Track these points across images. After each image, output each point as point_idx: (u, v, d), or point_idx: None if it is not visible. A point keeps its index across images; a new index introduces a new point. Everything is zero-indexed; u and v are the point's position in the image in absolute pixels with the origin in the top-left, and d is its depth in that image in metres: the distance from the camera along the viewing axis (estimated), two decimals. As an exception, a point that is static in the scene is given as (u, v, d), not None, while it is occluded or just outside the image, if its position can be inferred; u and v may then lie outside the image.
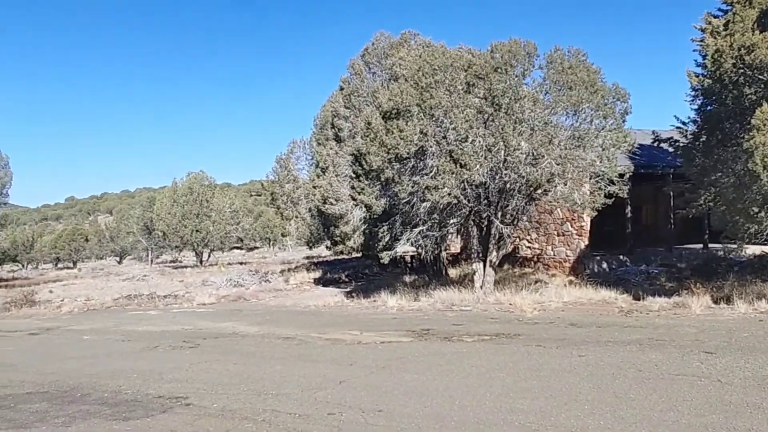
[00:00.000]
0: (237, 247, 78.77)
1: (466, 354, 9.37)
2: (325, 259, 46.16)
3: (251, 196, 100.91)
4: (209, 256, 55.30)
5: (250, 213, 68.15)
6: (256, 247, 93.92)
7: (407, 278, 25.76)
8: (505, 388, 6.90)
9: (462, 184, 16.23)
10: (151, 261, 62.84)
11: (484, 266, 18.50)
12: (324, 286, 27.88)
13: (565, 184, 16.40)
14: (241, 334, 14.08)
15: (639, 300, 15.28)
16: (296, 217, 31.75)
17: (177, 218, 46.84)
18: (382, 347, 10.66)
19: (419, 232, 18.31)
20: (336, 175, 23.33)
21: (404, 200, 17.27)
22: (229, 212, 51.61)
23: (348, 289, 24.90)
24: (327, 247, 35.07)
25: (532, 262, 25.02)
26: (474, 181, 15.83)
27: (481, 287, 18.29)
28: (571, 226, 23.30)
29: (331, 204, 23.14)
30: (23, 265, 75.50)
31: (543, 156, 15.66)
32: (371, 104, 22.99)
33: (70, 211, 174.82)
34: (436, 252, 23.45)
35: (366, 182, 17.56)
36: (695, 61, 18.20)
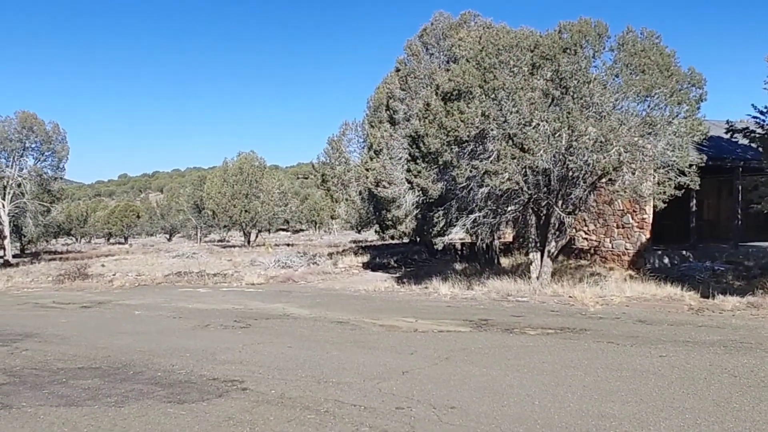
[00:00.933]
0: (283, 229, 79.11)
1: (534, 348, 8.80)
2: (372, 243, 45.86)
3: (298, 178, 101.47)
4: (257, 236, 55.57)
5: (296, 195, 68.36)
6: (302, 230, 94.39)
7: (458, 266, 25.16)
8: (586, 389, 6.33)
9: (523, 170, 15.55)
10: (200, 239, 63.62)
11: (542, 256, 17.81)
12: (373, 270, 27.47)
13: (633, 173, 15.55)
14: (293, 316, 13.76)
15: (708, 298, 14.41)
16: (346, 199, 31.40)
17: (227, 198, 47.05)
18: (440, 336, 10.16)
19: (475, 219, 17.67)
20: (390, 158, 22.84)
21: (461, 185, 16.68)
22: (277, 193, 51.67)
23: (398, 275, 24.43)
24: (376, 231, 34.72)
25: (589, 254, 24.13)
26: (537, 167, 15.12)
27: (538, 278, 17.62)
28: (632, 218, 22.33)
29: (384, 187, 22.67)
30: (77, 239, 77.39)
31: (611, 142, 14.84)
32: (429, 86, 22.41)
33: (122, 188, 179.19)
34: (489, 240, 22.79)
35: (423, 165, 17.01)
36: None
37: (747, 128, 17.76)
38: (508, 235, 29.32)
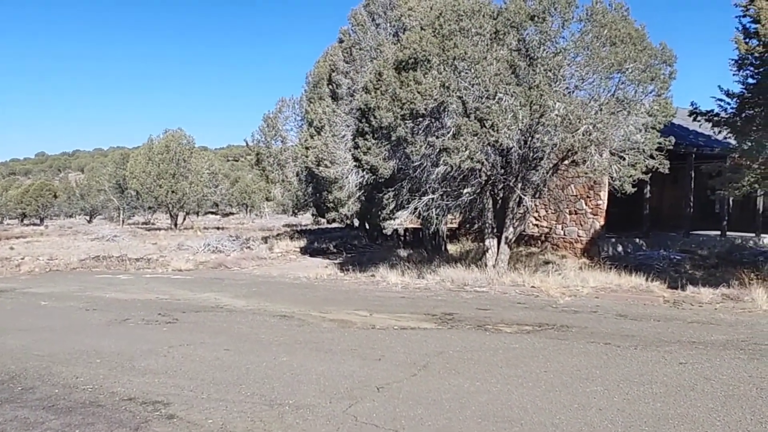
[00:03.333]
0: (212, 212, 76.16)
1: (523, 352, 7.43)
2: (307, 227, 44.02)
3: (228, 161, 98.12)
4: (184, 219, 52.75)
5: (227, 178, 65.67)
6: (232, 213, 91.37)
7: (402, 252, 23.81)
8: (625, 415, 4.96)
9: (485, 148, 14.23)
10: (123, 222, 60.07)
11: (498, 243, 16.63)
12: (311, 256, 25.81)
13: (601, 154, 14.45)
14: (227, 308, 12.03)
15: (676, 289, 13.58)
16: (282, 180, 29.45)
17: (152, 177, 44.15)
18: (405, 335, 8.68)
19: (427, 202, 16.27)
20: (332, 135, 21.14)
21: (415, 164, 15.26)
22: (207, 174, 49.08)
23: (338, 261, 22.87)
24: (313, 215, 32.96)
25: (540, 242, 23.19)
26: (501, 144, 13.80)
27: (494, 266, 16.44)
28: (586, 204, 21.47)
29: (326, 167, 20.98)
30: (-14, 220, 72.13)
31: (580, 120, 13.69)
32: (376, 58, 20.81)
33: (39, 166, 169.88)
34: (436, 225, 21.50)
35: (372, 141, 15.43)
36: (737, 28, 16.16)
37: (711, 111, 16.98)
38: (454, 221, 28.18)
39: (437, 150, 14.63)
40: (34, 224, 66.76)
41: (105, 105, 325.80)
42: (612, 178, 14.82)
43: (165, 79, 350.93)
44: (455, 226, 27.65)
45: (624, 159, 14.35)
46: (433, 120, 14.90)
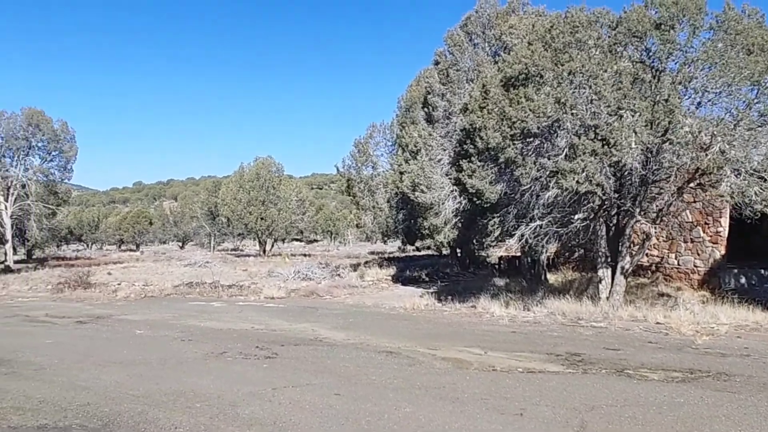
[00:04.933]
0: (297, 239, 76.85)
1: (695, 410, 6.16)
2: (392, 255, 43.26)
3: (312, 189, 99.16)
4: (272, 246, 53.15)
5: (311, 205, 66.03)
6: (316, 240, 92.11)
7: (499, 281, 22.50)
8: None
9: (603, 169, 12.95)
10: (213, 248, 61.26)
11: (613, 273, 15.18)
12: (403, 284, 24.87)
13: (738, 175, 12.86)
14: (327, 341, 11.21)
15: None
16: (373, 207, 28.81)
17: (242, 204, 44.63)
18: (537, 381, 7.55)
19: (536, 228, 15.06)
20: (429, 159, 20.27)
21: (524, 187, 14.12)
22: (295, 201, 49.25)
23: (433, 290, 21.79)
24: (402, 242, 32.13)
25: (650, 272, 21.37)
26: (624, 165, 12.51)
27: (608, 299, 14.98)
28: (703, 231, 19.58)
29: (422, 192, 20.08)
30: (88, 245, 75.37)
31: (714, 137, 12.23)
32: (474, 79, 19.93)
33: (137, 195, 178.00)
34: (536, 254, 20.19)
35: (478, 164, 14.43)
36: None
37: None
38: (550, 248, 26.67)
39: (548, 172, 13.50)
40: (131, 250, 69.22)
41: (197, 136, 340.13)
42: (749, 201, 13.17)
43: (253, 110, 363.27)
44: (551, 254, 26.15)
45: (766, 180, 12.72)
46: (543, 140, 13.77)
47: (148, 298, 20.41)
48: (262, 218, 44.87)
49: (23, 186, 36.24)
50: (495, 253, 16.25)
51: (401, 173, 22.63)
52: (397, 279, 26.71)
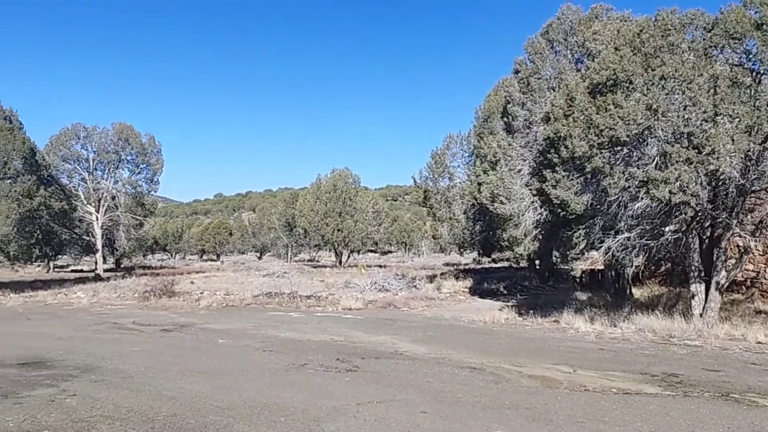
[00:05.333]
0: (372, 251, 77.17)
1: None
2: (468, 266, 42.70)
3: (387, 200, 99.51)
4: (348, 257, 53.50)
5: (387, 216, 66.15)
6: (390, 251, 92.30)
7: (581, 295, 21.74)
8: None
9: (699, 178, 12.25)
10: (290, 258, 62.27)
11: (707, 289, 14.34)
12: (481, 297, 24.43)
13: None
14: (407, 354, 11.00)
15: None
16: (450, 218, 28.49)
17: (319, 216, 45.14)
18: (635, 404, 7.09)
19: (623, 240, 14.42)
20: (508, 170, 19.81)
21: (611, 198, 13.54)
22: (371, 213, 49.44)
23: (512, 303, 21.26)
24: (479, 253, 31.61)
25: (744, 287, 20.20)
26: (723, 173, 11.79)
27: (701, 315, 14.15)
28: (806, 244, 18.34)
29: (501, 203, 19.63)
30: (171, 255, 78.09)
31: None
32: (555, 88, 19.40)
33: (217, 206, 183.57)
34: (625, 267, 19.39)
35: (563, 173, 13.95)
36: None
37: None
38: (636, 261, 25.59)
39: (637, 182, 12.90)
40: (212, 260, 71.23)
41: (275, 148, 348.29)
42: None
43: (329, 122, 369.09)
44: (637, 267, 25.10)
45: None
46: (632, 149, 13.18)
47: (229, 308, 20.77)
48: (338, 229, 45.24)
49: (113, 197, 37.87)
50: (579, 266, 15.67)
51: (479, 184, 22.23)
52: (475, 291, 26.27)
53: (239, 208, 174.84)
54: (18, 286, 28.11)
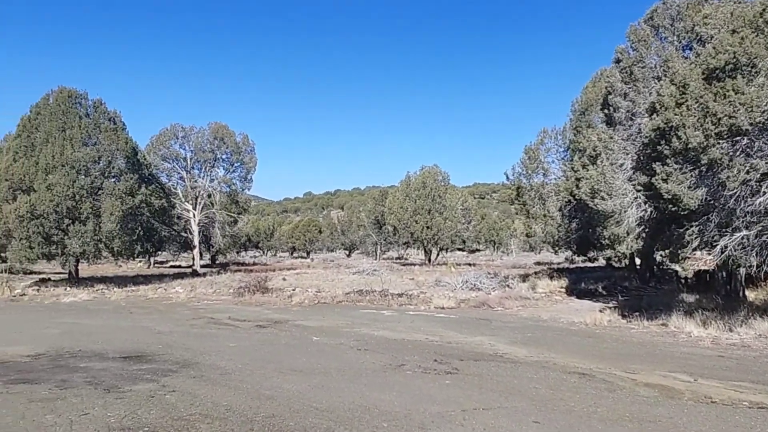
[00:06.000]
0: (460, 249, 76.31)
1: None
2: (561, 265, 41.29)
3: (475, 198, 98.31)
4: (438, 255, 53.00)
5: (476, 214, 65.13)
6: (478, 250, 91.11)
7: (687, 297, 20.38)
8: None
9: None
10: (379, 256, 62.41)
11: (841, 293, 12.99)
12: (578, 297, 23.42)
13: None
14: (507, 357, 10.46)
15: None
16: (544, 215, 27.51)
17: (408, 213, 44.87)
18: (773, 419, 6.32)
19: (742, 239, 13.29)
20: (610, 164, 18.80)
21: (729, 192, 12.49)
22: (460, 210, 48.73)
23: (613, 305, 20.22)
24: (574, 252, 30.38)
25: None
26: None
27: (834, 322, 12.85)
28: None
29: (602, 199, 18.65)
30: (263, 252, 79.99)
31: None
32: (661, 77, 18.24)
33: (307, 205, 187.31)
34: (738, 267, 17.98)
35: (674, 166, 12.98)
36: None
37: None
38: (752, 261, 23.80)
39: (758, 174, 11.84)
40: (302, 257, 72.45)
41: (363, 147, 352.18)
42: None
43: (416, 120, 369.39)
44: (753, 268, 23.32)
45: None
46: (754, 138, 12.09)
47: (321, 305, 20.77)
48: (427, 227, 44.83)
49: (209, 195, 38.98)
50: (690, 266, 14.62)
51: (578, 179, 21.25)
52: (571, 291, 25.23)
53: (328, 206, 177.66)
54: (121, 281, 29.34)
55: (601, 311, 18.31)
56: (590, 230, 22.54)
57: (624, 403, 7.04)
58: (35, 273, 36.70)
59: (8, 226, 24.70)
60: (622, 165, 18.96)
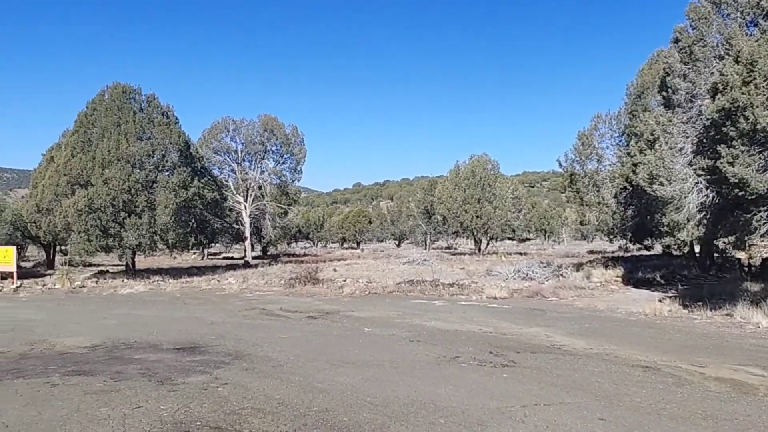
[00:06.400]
0: (509, 238, 75.28)
1: None
2: (614, 254, 40.26)
3: (524, 186, 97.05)
4: (488, 244, 52.41)
5: (526, 202, 64.10)
6: (528, 239, 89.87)
7: (752, 286, 19.50)
8: None
9: None
10: (428, 246, 62.10)
11: None
12: (635, 287, 22.71)
13: None
14: (566, 349, 10.11)
15: None
16: (599, 203, 26.76)
17: (458, 202, 44.44)
18: None
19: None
20: (669, 148, 18.09)
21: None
22: (510, 199, 48.02)
23: (671, 294, 19.51)
24: (630, 240, 29.51)
25: None
26: None
27: None
28: None
29: (661, 185, 17.97)
30: (314, 243, 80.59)
31: None
32: (723, 56, 17.42)
33: (356, 195, 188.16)
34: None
35: (741, 148, 12.35)
36: None
37: None
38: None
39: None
40: (352, 248, 72.71)
41: (411, 138, 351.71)
42: None
43: (464, 110, 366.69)
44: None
45: None
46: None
47: (372, 295, 20.67)
48: (477, 216, 44.34)
49: (259, 187, 39.31)
50: (757, 253, 13.92)
51: (635, 165, 20.55)
52: (628, 280, 24.50)
53: (377, 197, 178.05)
54: (176, 273, 29.84)
55: (660, 301, 17.68)
56: (648, 217, 21.79)
57: (694, 399, 6.66)
58: (94, 265, 37.73)
59: (68, 219, 25.35)
60: (681, 149, 18.25)
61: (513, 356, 9.36)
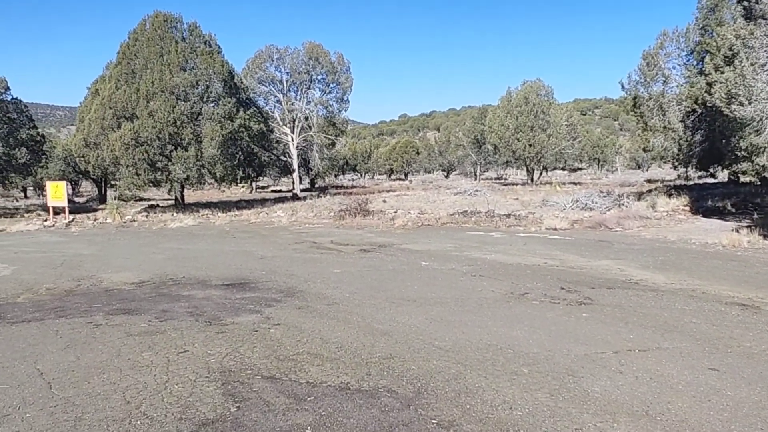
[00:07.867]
0: (560, 168, 73.20)
1: None
2: (675, 182, 38.46)
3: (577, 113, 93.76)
4: (541, 174, 50.85)
5: (582, 130, 61.74)
6: (580, 168, 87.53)
7: (836, 216, 18.04)
8: None
9: None
10: (478, 177, 60.79)
11: None
12: (704, 216, 21.38)
13: None
14: (645, 284, 9.20)
15: None
16: (664, 127, 25.11)
17: (510, 131, 42.82)
18: None
19: None
20: (750, 64, 16.47)
21: None
22: (565, 127, 46.05)
23: (746, 224, 18.21)
24: (696, 167, 27.84)
25: None
26: None
27: None
28: None
29: (740, 104, 16.45)
30: (361, 175, 80.00)
31: None
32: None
33: (402, 127, 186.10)
34: None
35: None
36: None
37: None
38: None
39: None
40: (400, 179, 71.90)
41: (458, 67, 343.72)
42: None
43: (512, 37, 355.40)
44: None
45: None
46: None
47: (424, 227, 19.93)
48: (530, 144, 42.73)
49: (306, 118, 38.46)
50: None
51: (709, 84, 18.94)
52: (696, 210, 23.12)
53: (424, 128, 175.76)
54: (225, 206, 29.63)
55: (736, 231, 16.45)
56: (723, 141, 20.26)
57: (815, 344, 5.74)
58: (144, 200, 37.97)
59: (115, 153, 25.11)
60: (764, 65, 16.66)
61: (588, 292, 8.51)
